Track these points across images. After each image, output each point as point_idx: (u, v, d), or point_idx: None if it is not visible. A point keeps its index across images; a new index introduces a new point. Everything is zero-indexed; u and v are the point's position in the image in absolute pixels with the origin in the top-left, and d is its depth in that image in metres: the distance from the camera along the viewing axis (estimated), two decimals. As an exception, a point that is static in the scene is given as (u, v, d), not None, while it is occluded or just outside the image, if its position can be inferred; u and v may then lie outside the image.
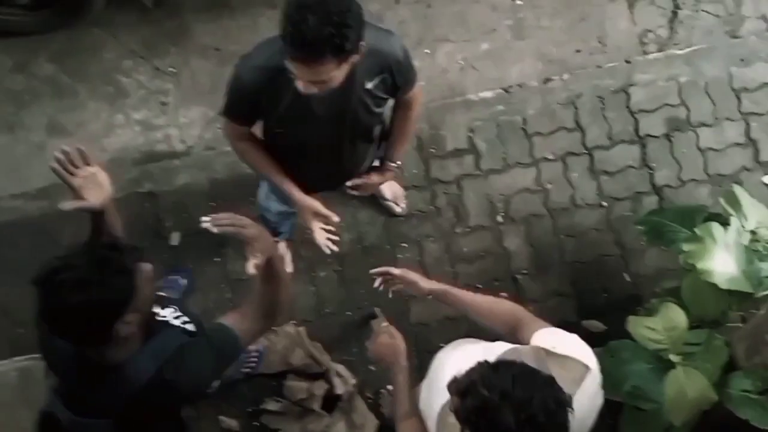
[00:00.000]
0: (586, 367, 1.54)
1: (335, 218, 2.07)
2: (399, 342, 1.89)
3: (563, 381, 1.39)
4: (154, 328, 1.58)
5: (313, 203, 2.06)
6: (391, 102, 2.07)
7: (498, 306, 1.81)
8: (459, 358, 1.63)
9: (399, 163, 2.27)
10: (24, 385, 2.41)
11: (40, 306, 1.41)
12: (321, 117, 1.91)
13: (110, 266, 1.42)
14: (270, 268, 1.59)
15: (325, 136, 1.99)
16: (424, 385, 1.78)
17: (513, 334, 1.70)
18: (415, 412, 1.73)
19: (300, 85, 1.74)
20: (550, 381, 1.36)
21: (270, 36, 1.85)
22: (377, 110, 1.99)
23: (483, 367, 1.39)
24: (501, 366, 1.39)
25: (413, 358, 1.93)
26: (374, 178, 2.27)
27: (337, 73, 1.70)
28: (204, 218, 1.48)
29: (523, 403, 1.30)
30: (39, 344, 1.66)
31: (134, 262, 1.47)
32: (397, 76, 1.93)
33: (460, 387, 1.37)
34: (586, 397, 1.53)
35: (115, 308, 1.43)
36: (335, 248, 2.16)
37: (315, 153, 2.05)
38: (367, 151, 2.20)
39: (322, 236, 2.12)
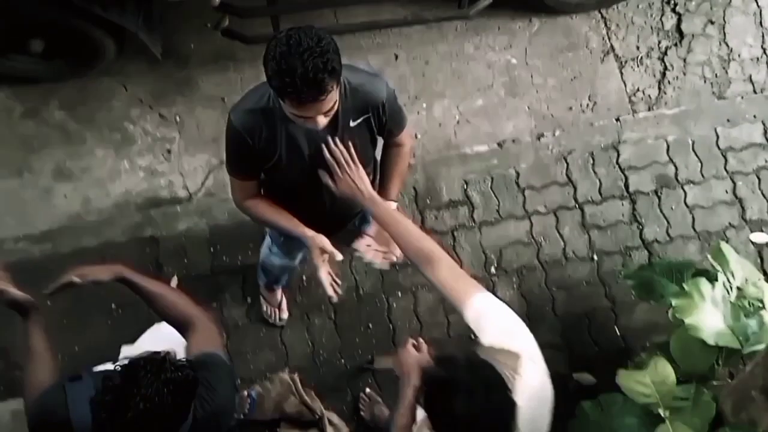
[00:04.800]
0: (517, 356, 1.60)
1: (339, 257, 2.08)
2: (423, 358, 1.93)
3: (506, 369, 1.51)
4: None
5: (322, 239, 2.08)
6: (380, 143, 2.11)
7: (419, 240, 1.83)
8: None
9: (395, 204, 2.22)
10: (17, 427, 2.41)
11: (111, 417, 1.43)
12: (308, 154, 1.96)
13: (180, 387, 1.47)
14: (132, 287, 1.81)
15: (314, 174, 2.03)
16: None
17: (423, 268, 1.77)
18: (412, 428, 1.78)
19: (312, 124, 1.78)
20: (511, 406, 1.46)
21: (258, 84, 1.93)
22: (363, 149, 2.02)
23: (473, 357, 1.50)
24: (483, 367, 1.48)
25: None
26: (374, 228, 2.23)
27: (336, 96, 1.77)
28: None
29: (476, 411, 1.42)
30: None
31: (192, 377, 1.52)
32: (383, 116, 1.98)
33: (442, 356, 1.49)
34: (531, 379, 1.61)
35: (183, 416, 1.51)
36: (338, 292, 2.13)
37: (310, 194, 2.09)
38: None
39: (326, 277, 2.10)
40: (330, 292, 2.08)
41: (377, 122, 1.99)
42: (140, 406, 1.39)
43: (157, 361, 1.45)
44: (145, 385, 1.41)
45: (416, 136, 3.27)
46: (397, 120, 2.06)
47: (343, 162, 1.90)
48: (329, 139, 1.93)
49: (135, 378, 1.42)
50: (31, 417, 1.67)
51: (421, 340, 1.98)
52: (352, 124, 1.94)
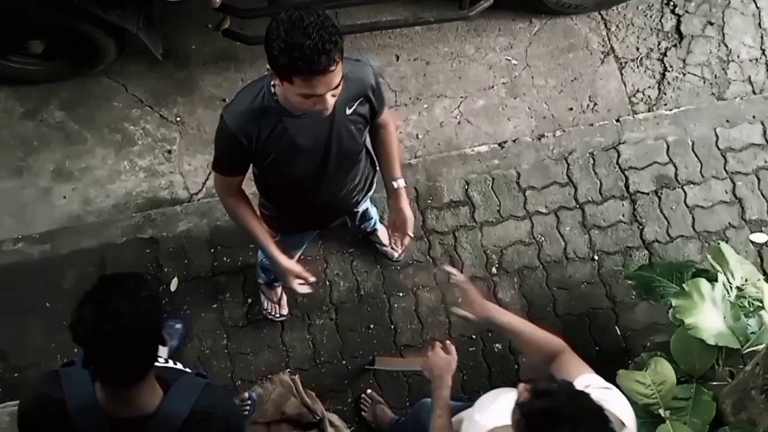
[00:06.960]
0: (622, 424, 1.57)
1: (312, 279, 2.18)
2: (453, 359, 1.94)
3: None
4: (171, 376, 1.64)
5: (295, 267, 2.16)
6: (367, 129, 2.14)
7: (539, 334, 1.85)
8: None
9: (403, 183, 2.22)
10: (16, 430, 2.40)
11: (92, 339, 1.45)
12: (306, 149, 1.97)
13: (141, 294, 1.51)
14: None
15: (313, 168, 2.04)
16: (466, 414, 1.80)
17: (547, 363, 1.76)
18: (451, 428, 1.78)
19: (321, 106, 1.79)
20: None
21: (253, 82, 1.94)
22: (359, 135, 2.05)
23: (569, 385, 1.48)
24: (582, 397, 1.45)
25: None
26: (394, 207, 2.24)
27: (341, 72, 1.77)
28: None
29: None
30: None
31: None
32: (373, 99, 2.01)
33: (540, 388, 1.44)
34: None
35: (157, 333, 1.52)
36: (307, 289, 2.23)
37: (306, 186, 2.10)
38: (354, 180, 2.25)
39: (304, 288, 2.22)
40: (304, 290, 2.20)
41: (370, 106, 2.00)
42: (114, 317, 1.43)
43: (111, 280, 1.52)
44: (109, 299, 1.45)
45: (417, 137, 3.28)
46: (382, 100, 2.09)
47: (464, 284, 1.93)
48: (330, 137, 1.94)
49: (99, 299, 1.46)
50: (23, 400, 1.68)
51: (448, 342, 1.99)
52: (347, 112, 1.96)
